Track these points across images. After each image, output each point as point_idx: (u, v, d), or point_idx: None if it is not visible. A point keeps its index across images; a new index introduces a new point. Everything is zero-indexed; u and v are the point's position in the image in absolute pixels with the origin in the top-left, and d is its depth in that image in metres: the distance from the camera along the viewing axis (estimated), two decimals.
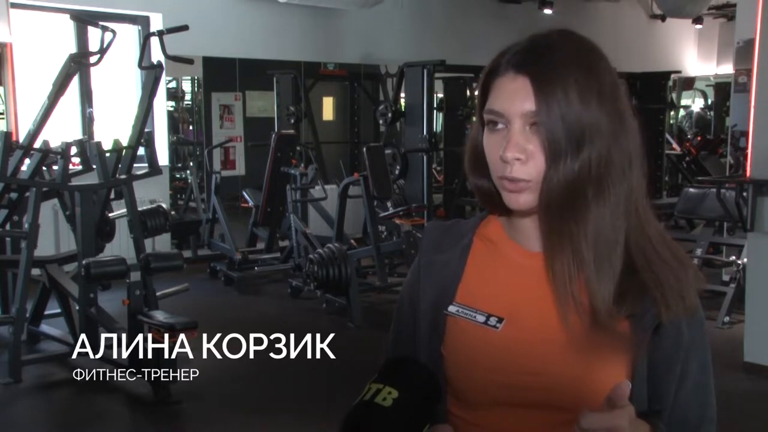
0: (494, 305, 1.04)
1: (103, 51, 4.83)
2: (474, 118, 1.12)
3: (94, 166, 4.87)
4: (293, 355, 5.03)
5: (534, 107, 0.95)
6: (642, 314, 0.97)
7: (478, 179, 1.07)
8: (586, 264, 0.96)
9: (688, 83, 12.87)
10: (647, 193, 1.02)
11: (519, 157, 0.96)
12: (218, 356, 4.91)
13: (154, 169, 5.03)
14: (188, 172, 8.46)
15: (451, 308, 1.06)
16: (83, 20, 5.43)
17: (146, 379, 4.16)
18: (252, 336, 5.39)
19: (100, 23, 4.83)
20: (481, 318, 1.03)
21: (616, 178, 0.97)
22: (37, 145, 4.79)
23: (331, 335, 5.46)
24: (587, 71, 0.97)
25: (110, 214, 5.13)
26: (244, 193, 7.34)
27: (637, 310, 0.97)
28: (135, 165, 4.96)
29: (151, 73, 4.87)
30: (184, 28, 4.89)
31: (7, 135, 4.79)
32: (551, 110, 0.95)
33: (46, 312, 5.11)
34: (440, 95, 9.46)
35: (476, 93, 1.08)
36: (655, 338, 0.98)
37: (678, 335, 0.99)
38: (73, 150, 5.13)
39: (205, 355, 4.83)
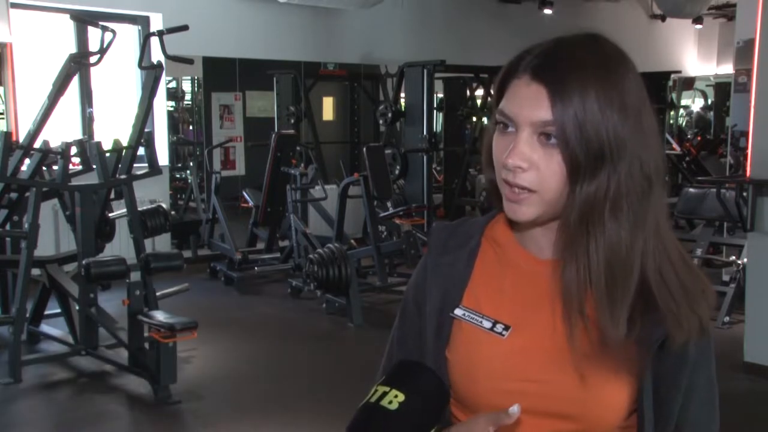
0: (500, 311, 1.03)
1: (103, 51, 4.83)
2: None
3: (94, 166, 4.87)
4: (293, 354, 5.04)
5: (546, 116, 0.92)
6: (649, 331, 0.95)
7: (492, 174, 1.04)
8: (596, 284, 0.93)
9: (688, 83, 12.88)
10: (668, 214, 0.98)
11: (521, 166, 0.94)
12: (218, 356, 4.93)
13: (154, 169, 5.03)
14: (188, 172, 8.46)
15: (458, 311, 1.05)
16: (83, 20, 5.43)
17: (146, 379, 4.17)
18: (252, 336, 5.41)
19: (100, 23, 4.84)
20: (487, 324, 1.02)
21: (635, 198, 0.93)
22: (37, 145, 4.80)
23: (331, 335, 5.49)
24: (610, 82, 0.92)
25: (110, 214, 5.13)
26: (244, 193, 7.34)
27: (646, 334, 0.94)
28: (135, 165, 4.96)
29: (151, 73, 4.87)
30: (184, 28, 4.90)
31: (7, 135, 4.79)
32: (567, 120, 0.91)
33: (46, 312, 5.12)
34: (440, 95, 9.46)
35: (492, 89, 1.04)
36: (660, 354, 0.96)
37: (684, 352, 0.97)
38: (73, 150, 5.14)
39: (205, 355, 4.85)
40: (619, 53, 0.97)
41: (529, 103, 0.93)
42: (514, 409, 0.89)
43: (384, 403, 0.88)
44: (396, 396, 0.89)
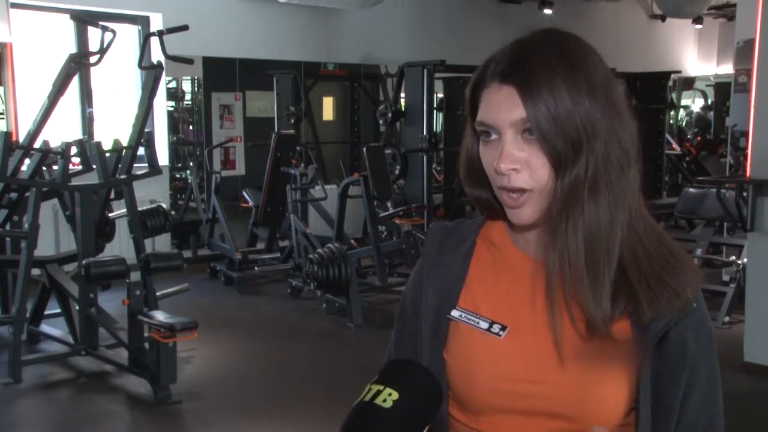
0: (497, 312, 1.03)
1: (103, 51, 4.83)
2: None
3: (94, 166, 4.87)
4: (293, 354, 5.04)
5: (524, 114, 0.94)
6: (646, 324, 0.95)
7: (476, 190, 1.06)
8: (575, 266, 0.94)
9: (688, 83, 12.87)
10: (641, 188, 1.00)
11: (514, 168, 0.95)
12: (218, 356, 4.93)
13: (154, 169, 5.03)
14: (188, 172, 8.46)
15: (454, 313, 1.05)
16: (83, 20, 5.43)
17: (146, 379, 4.17)
18: (252, 336, 5.41)
19: (100, 23, 4.84)
20: (484, 324, 1.02)
21: (614, 176, 0.95)
22: (37, 145, 4.80)
23: (331, 335, 5.49)
24: (574, 68, 0.94)
25: (110, 214, 5.13)
26: (244, 193, 7.34)
27: (631, 309, 0.95)
28: (135, 165, 4.96)
29: (151, 73, 4.88)
30: (184, 28, 4.90)
31: (7, 135, 4.79)
32: (541, 115, 0.93)
33: (46, 312, 5.12)
34: (440, 95, 9.46)
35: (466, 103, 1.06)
36: (660, 349, 0.96)
37: (683, 346, 0.97)
38: (73, 150, 5.14)
39: (205, 355, 4.85)
40: (576, 39, 0.99)
41: (504, 105, 0.95)
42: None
43: (378, 401, 0.88)
44: (390, 394, 0.89)
